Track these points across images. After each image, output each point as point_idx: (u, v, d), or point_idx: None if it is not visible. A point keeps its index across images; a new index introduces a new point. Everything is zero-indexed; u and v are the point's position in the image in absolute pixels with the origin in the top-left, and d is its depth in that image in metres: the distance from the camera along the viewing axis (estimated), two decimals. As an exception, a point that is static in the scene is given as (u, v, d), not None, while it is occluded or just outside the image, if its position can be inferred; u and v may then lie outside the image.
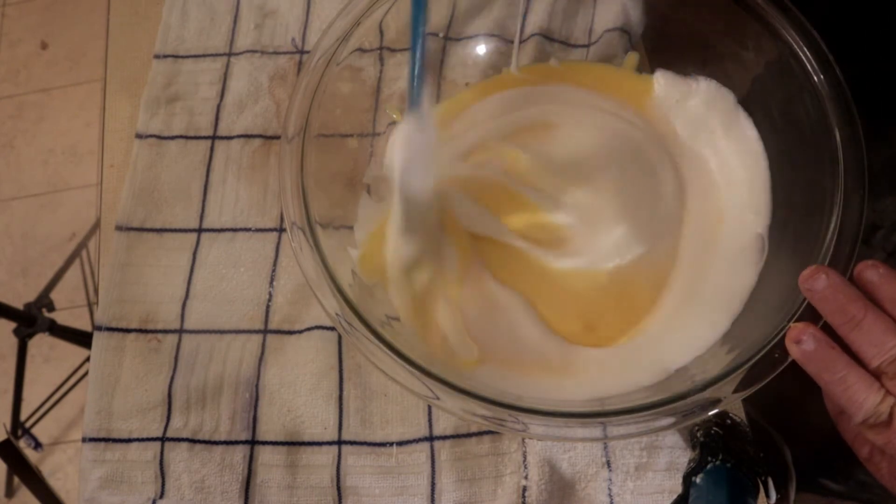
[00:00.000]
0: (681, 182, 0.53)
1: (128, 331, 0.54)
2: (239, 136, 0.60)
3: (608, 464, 0.49)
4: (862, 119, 0.43)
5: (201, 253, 0.56)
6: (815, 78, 0.45)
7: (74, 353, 1.23)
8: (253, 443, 0.50)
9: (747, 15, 0.48)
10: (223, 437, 0.50)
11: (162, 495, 0.49)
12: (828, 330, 0.35)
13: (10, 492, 1.26)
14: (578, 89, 0.57)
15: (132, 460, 0.50)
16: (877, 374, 0.34)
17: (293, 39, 0.64)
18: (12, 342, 1.18)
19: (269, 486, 0.49)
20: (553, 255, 0.50)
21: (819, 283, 0.35)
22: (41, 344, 1.35)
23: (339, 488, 0.49)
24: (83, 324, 1.28)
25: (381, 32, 0.55)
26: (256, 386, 0.52)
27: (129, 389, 0.52)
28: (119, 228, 0.57)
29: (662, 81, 0.55)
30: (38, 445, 1.25)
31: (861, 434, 0.36)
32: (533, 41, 0.59)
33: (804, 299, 0.39)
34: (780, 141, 0.50)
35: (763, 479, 0.45)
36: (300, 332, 0.53)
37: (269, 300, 0.55)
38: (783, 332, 0.37)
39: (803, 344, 0.35)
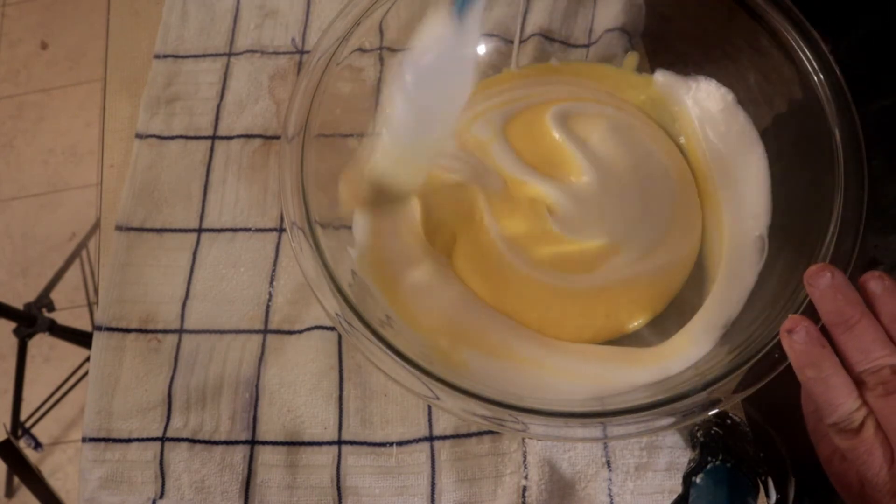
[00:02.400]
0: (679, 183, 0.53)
1: (128, 331, 0.54)
2: (239, 136, 0.60)
3: (608, 464, 0.49)
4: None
5: (201, 253, 0.56)
6: (815, 78, 0.45)
7: (74, 353, 1.23)
8: (253, 443, 0.50)
9: (747, 15, 0.48)
10: (223, 437, 0.50)
11: (162, 495, 0.49)
12: (824, 334, 0.36)
13: (10, 492, 1.26)
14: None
15: (132, 460, 0.50)
16: (858, 381, 0.34)
17: (293, 39, 0.64)
18: (12, 342, 1.18)
19: (269, 486, 0.49)
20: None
21: (823, 281, 0.35)
22: (41, 344, 1.35)
23: (339, 488, 0.49)
24: (83, 324, 1.28)
25: (381, 32, 0.55)
26: (256, 386, 0.52)
27: (129, 389, 0.52)
28: (119, 228, 0.57)
29: (662, 81, 0.55)
30: (38, 445, 1.25)
31: (828, 435, 0.37)
32: (533, 41, 0.59)
33: (804, 300, 0.39)
34: (780, 141, 0.50)
35: (763, 479, 0.45)
36: (300, 332, 0.53)
37: (269, 300, 0.55)
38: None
39: (795, 334, 0.35)
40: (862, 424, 0.34)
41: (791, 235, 0.47)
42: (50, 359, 1.37)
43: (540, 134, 0.53)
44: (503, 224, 0.50)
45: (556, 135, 0.52)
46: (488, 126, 0.53)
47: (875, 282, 0.35)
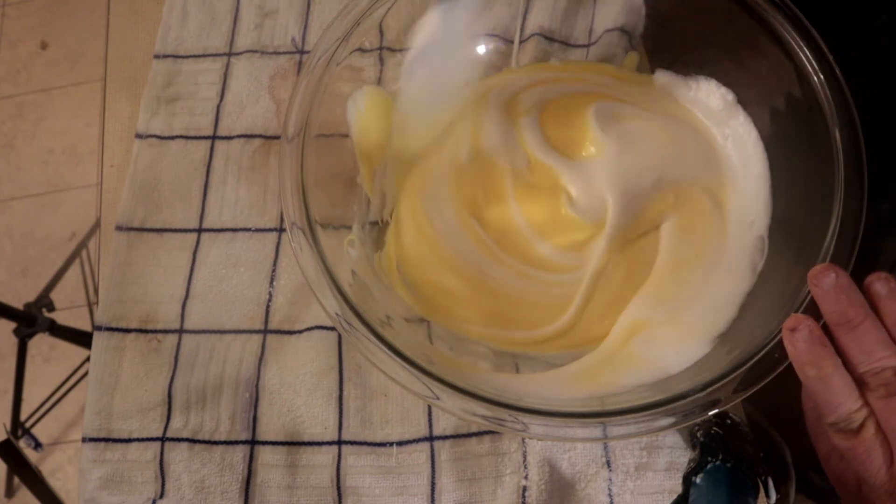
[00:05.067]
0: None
1: (128, 331, 0.54)
2: (239, 136, 0.60)
3: (608, 464, 0.49)
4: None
5: (201, 253, 0.56)
6: (815, 78, 0.45)
7: (74, 353, 1.23)
8: (253, 443, 0.50)
9: (747, 15, 0.48)
10: (223, 437, 0.50)
11: (162, 495, 0.49)
12: (826, 334, 0.36)
13: (10, 492, 1.26)
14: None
15: (132, 460, 0.50)
16: (859, 382, 0.34)
17: (293, 39, 0.64)
18: (12, 342, 1.18)
19: (269, 486, 0.49)
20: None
21: (827, 281, 0.35)
22: (41, 344, 1.35)
23: (339, 488, 0.49)
24: (83, 324, 1.28)
25: (381, 32, 0.55)
26: (256, 386, 0.52)
27: (129, 389, 0.52)
28: (119, 228, 0.57)
29: (662, 81, 0.55)
30: (38, 445, 1.25)
31: (826, 434, 0.37)
32: (533, 41, 0.59)
33: (804, 301, 0.39)
34: (780, 142, 0.50)
35: (763, 479, 0.45)
36: (300, 332, 0.53)
37: (269, 300, 0.55)
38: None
39: (797, 332, 0.35)
40: (862, 425, 0.34)
41: (791, 236, 0.47)
42: (50, 359, 1.38)
43: (575, 120, 0.53)
44: (525, 209, 0.50)
45: (590, 120, 0.51)
46: (528, 99, 0.54)
47: (880, 283, 0.35)
